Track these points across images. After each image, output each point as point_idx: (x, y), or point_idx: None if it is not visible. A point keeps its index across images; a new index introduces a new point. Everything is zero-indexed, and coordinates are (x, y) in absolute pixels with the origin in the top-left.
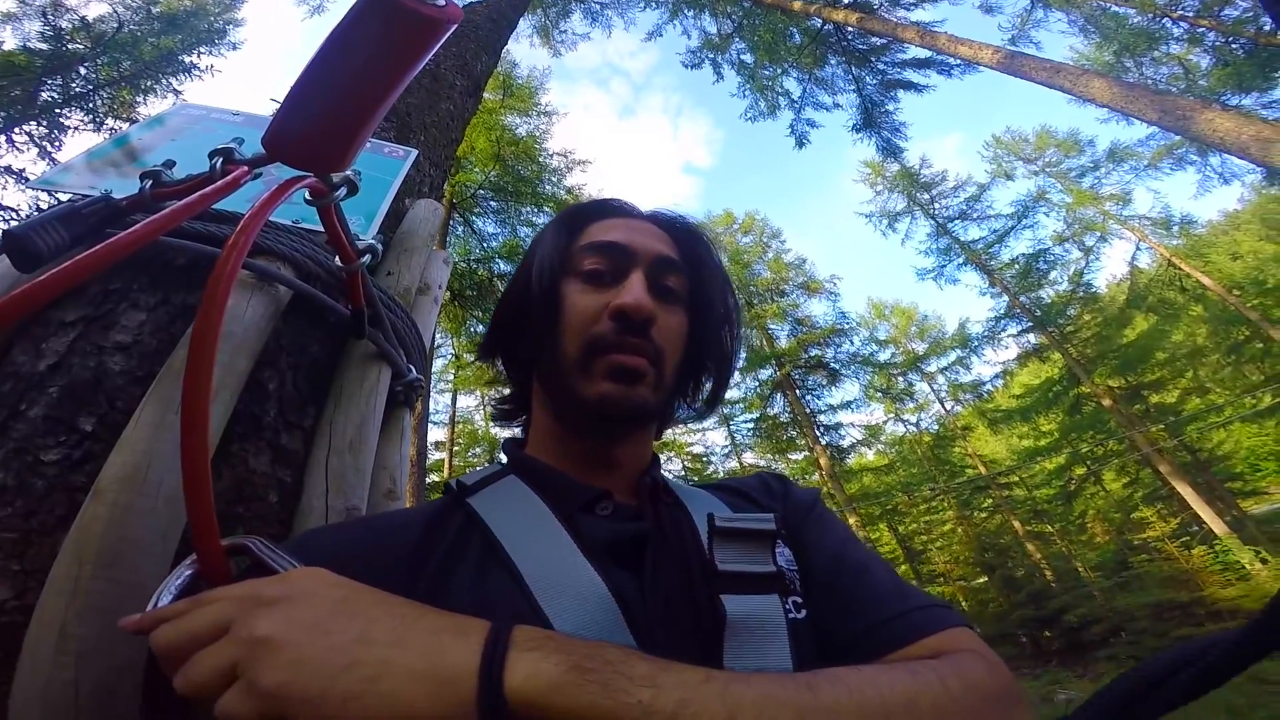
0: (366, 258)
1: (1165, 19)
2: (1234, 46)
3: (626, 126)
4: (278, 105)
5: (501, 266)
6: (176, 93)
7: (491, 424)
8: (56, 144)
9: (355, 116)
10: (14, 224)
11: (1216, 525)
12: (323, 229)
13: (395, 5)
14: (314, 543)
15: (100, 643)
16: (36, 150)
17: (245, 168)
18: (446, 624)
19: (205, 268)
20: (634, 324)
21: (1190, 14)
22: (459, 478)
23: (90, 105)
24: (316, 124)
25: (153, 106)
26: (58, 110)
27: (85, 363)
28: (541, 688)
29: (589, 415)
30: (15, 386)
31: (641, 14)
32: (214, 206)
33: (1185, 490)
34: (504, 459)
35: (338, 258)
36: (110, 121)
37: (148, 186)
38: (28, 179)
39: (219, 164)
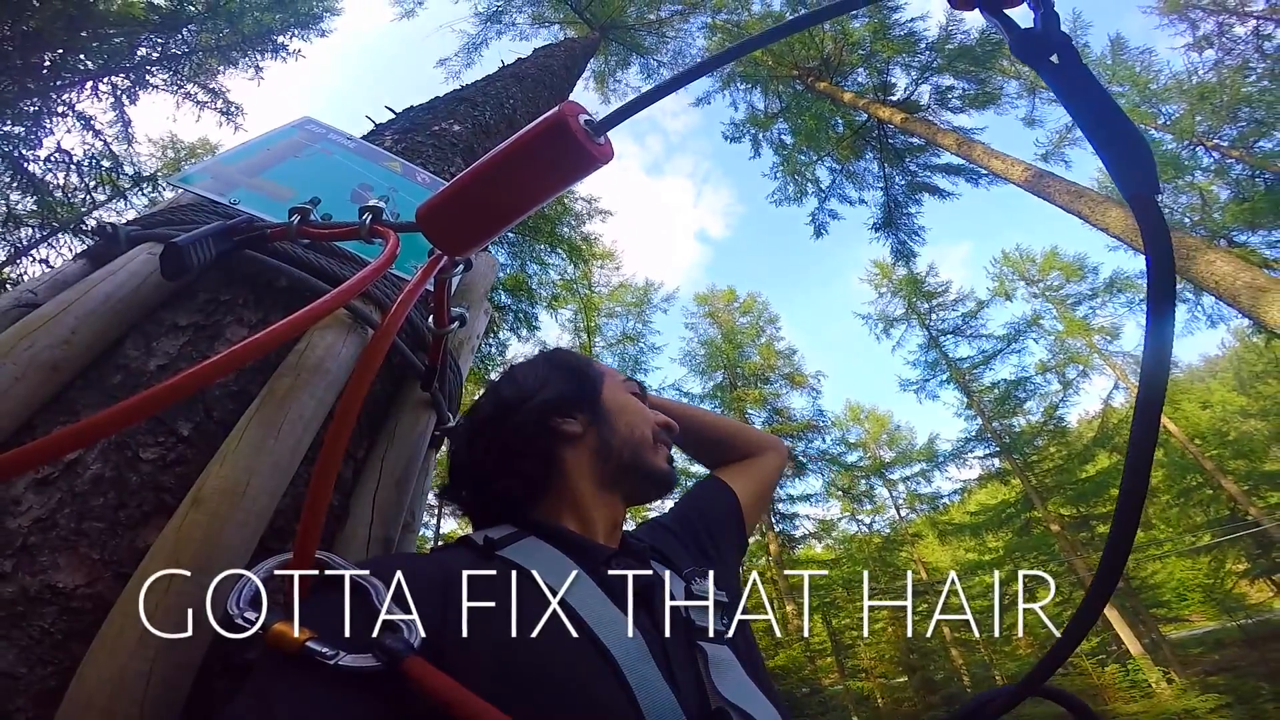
0: (455, 325)
1: (1200, 147)
2: (1258, 180)
3: (651, 183)
4: (375, 128)
5: (503, 298)
6: (258, 69)
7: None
8: (133, 99)
9: (501, 217)
10: (179, 236)
11: (1134, 646)
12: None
13: (571, 138)
14: (390, 568)
15: (179, 641)
16: (112, 101)
17: (395, 235)
18: None
19: (302, 293)
20: (674, 434)
21: (1225, 143)
22: (483, 533)
23: (178, 68)
24: (469, 218)
25: (232, 79)
26: (148, 67)
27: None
28: None
29: (653, 482)
30: (125, 380)
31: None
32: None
33: (1110, 612)
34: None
35: (431, 319)
36: (189, 86)
37: (295, 221)
38: (94, 126)
39: (368, 221)
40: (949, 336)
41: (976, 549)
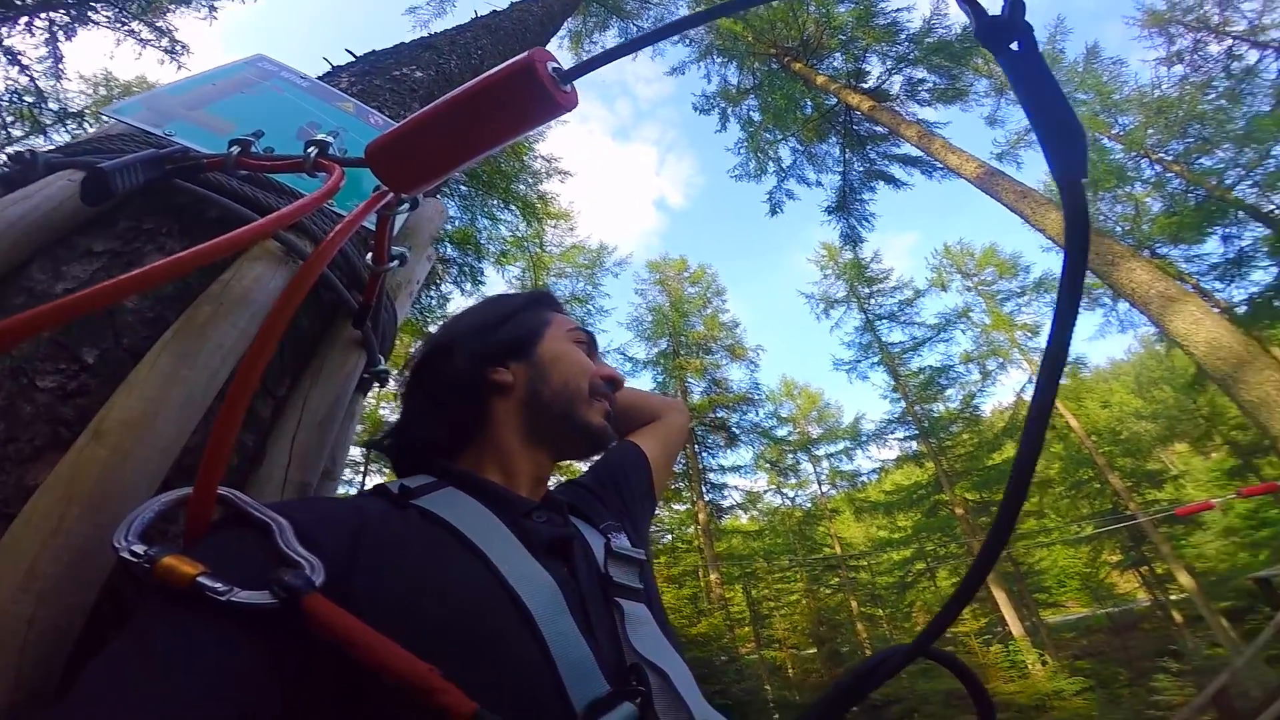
0: (394, 263)
1: (1145, 159)
2: (1190, 195)
3: (615, 148)
4: (331, 70)
5: (449, 250)
6: (212, 8)
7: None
8: (70, 35)
9: (456, 157)
10: (105, 161)
11: (1016, 628)
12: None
13: (538, 83)
14: (297, 509)
15: (66, 584)
16: (45, 37)
17: (340, 168)
18: None
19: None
20: (618, 388)
21: (1169, 157)
22: (399, 482)
23: (125, 5)
24: (422, 155)
25: (182, 18)
26: (91, 3)
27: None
28: None
29: (584, 437)
30: (28, 303)
31: (673, 47)
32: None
33: (1000, 595)
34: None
35: (370, 256)
36: (134, 24)
37: (235, 152)
38: (23, 62)
39: (313, 154)
40: (884, 321)
41: (888, 527)
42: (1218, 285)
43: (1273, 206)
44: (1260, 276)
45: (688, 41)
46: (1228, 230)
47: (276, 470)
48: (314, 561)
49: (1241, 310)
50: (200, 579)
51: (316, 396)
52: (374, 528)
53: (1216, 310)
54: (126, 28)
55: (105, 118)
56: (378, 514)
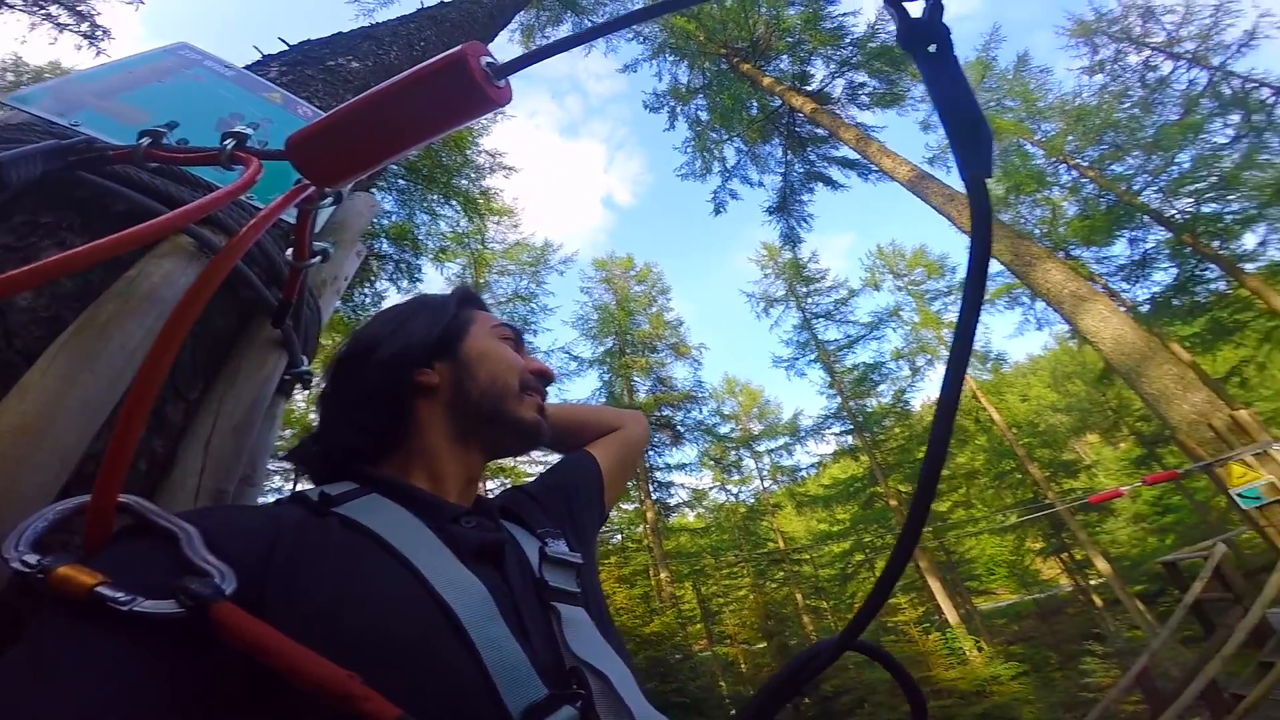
0: (316, 259)
1: (1064, 164)
2: (1102, 200)
3: (564, 144)
4: (261, 59)
5: (384, 246)
6: None
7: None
8: None
9: (381, 152)
10: (0, 152)
11: (952, 616)
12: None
13: (469, 78)
14: (207, 516)
15: None
16: None
17: (257, 161)
18: None
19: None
20: (548, 382)
21: (1085, 163)
22: (319, 490)
23: None
24: (346, 148)
25: (105, 2)
26: None
27: None
28: None
29: (516, 433)
30: None
31: (627, 44)
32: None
33: (935, 584)
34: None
35: (291, 251)
36: (51, 8)
37: (144, 143)
38: None
39: (229, 146)
40: (821, 320)
41: (828, 520)
42: (1124, 285)
43: (1174, 211)
44: (1161, 277)
45: (641, 39)
46: (1134, 234)
47: (189, 477)
48: (224, 570)
49: (1144, 309)
50: (99, 589)
51: (233, 399)
52: (290, 535)
53: (1122, 309)
54: (43, 11)
55: (7, 106)
56: (294, 521)
